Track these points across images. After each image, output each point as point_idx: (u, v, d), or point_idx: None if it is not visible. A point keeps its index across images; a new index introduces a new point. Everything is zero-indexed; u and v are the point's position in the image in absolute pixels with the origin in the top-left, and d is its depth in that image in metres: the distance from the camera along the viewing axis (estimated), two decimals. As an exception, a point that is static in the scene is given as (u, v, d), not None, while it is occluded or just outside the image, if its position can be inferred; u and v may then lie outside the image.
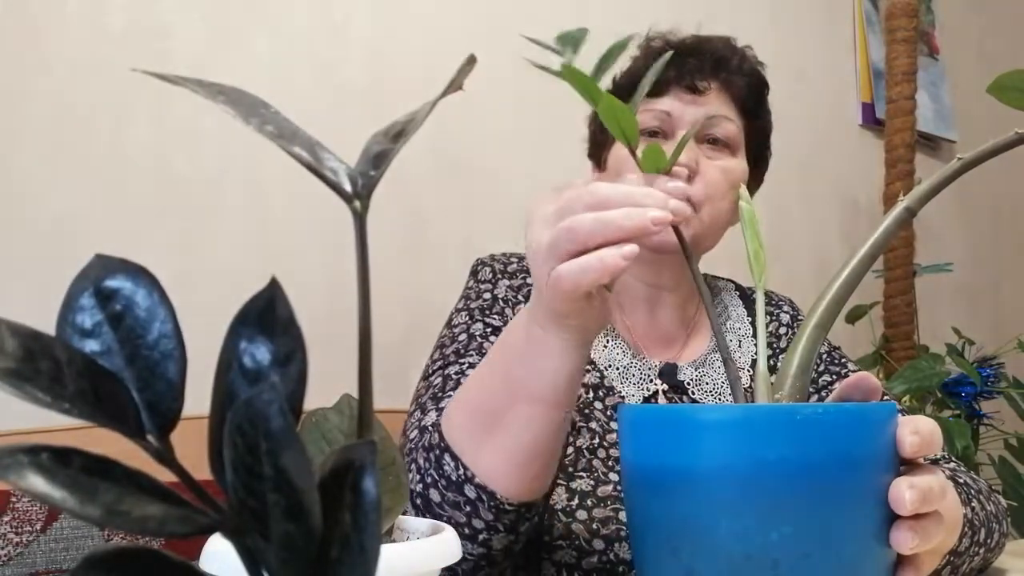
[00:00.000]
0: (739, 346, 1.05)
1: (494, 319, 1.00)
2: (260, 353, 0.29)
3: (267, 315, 0.29)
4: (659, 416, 0.50)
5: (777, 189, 2.04)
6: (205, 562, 0.41)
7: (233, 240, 1.38)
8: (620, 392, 1.00)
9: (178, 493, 0.27)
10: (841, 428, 0.46)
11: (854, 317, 1.94)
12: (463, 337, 0.99)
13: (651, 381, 1.00)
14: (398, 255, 1.49)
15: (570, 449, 0.95)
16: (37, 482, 0.24)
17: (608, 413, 0.98)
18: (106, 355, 0.29)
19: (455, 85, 0.34)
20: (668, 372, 1.01)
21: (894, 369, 1.84)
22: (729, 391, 0.99)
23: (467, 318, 1.01)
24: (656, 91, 1.00)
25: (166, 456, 0.28)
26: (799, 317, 1.10)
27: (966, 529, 0.80)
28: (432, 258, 1.52)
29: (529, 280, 1.05)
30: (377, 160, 0.32)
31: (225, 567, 0.29)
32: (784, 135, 2.05)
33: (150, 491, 0.26)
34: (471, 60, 0.35)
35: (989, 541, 0.85)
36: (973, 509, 0.83)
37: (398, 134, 0.33)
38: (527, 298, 1.02)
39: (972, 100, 2.28)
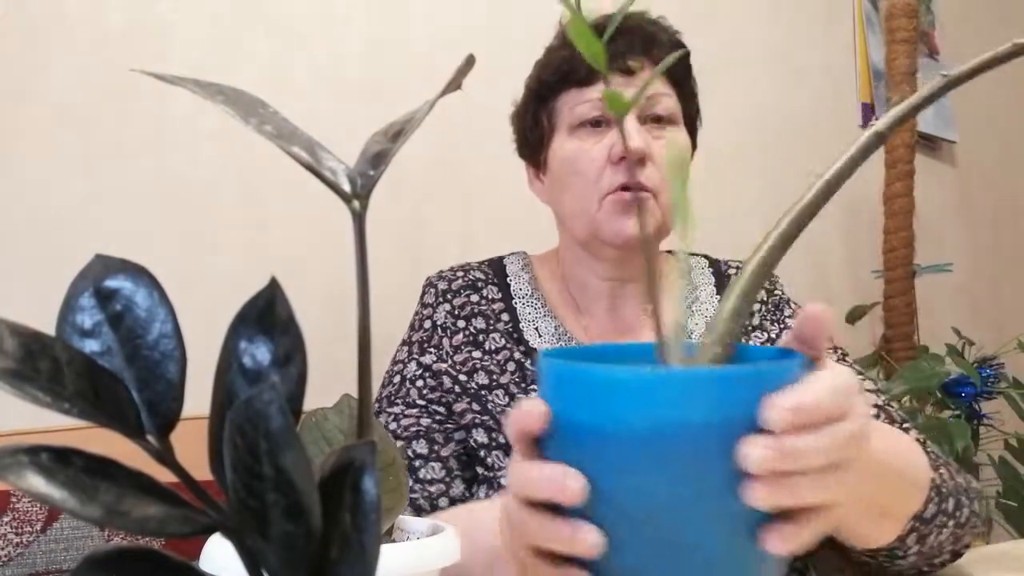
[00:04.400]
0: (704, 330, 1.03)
1: (429, 355, 1.01)
2: (260, 353, 0.29)
3: (267, 315, 0.29)
4: (568, 373, 0.48)
5: (776, 189, 2.04)
6: (205, 562, 0.41)
7: (233, 240, 1.38)
8: None
9: (178, 493, 0.27)
10: (738, 390, 0.46)
11: (854, 317, 1.94)
12: (396, 379, 1.01)
13: None
14: (397, 255, 1.49)
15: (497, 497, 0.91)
16: (37, 482, 0.24)
17: None
18: (106, 355, 0.29)
19: (454, 85, 0.34)
20: None
21: (894, 369, 1.84)
22: None
23: (406, 354, 1.03)
24: (587, 79, 0.98)
25: (166, 456, 0.28)
26: (775, 291, 1.06)
27: (932, 495, 0.75)
28: (432, 258, 1.52)
29: (472, 298, 1.05)
30: (376, 160, 0.32)
31: (225, 567, 0.29)
32: (784, 135, 2.06)
33: (150, 491, 0.26)
34: (470, 60, 0.35)
35: (959, 515, 0.80)
36: (941, 476, 0.79)
37: (397, 134, 0.33)
38: (467, 319, 1.03)
39: (972, 100, 2.28)
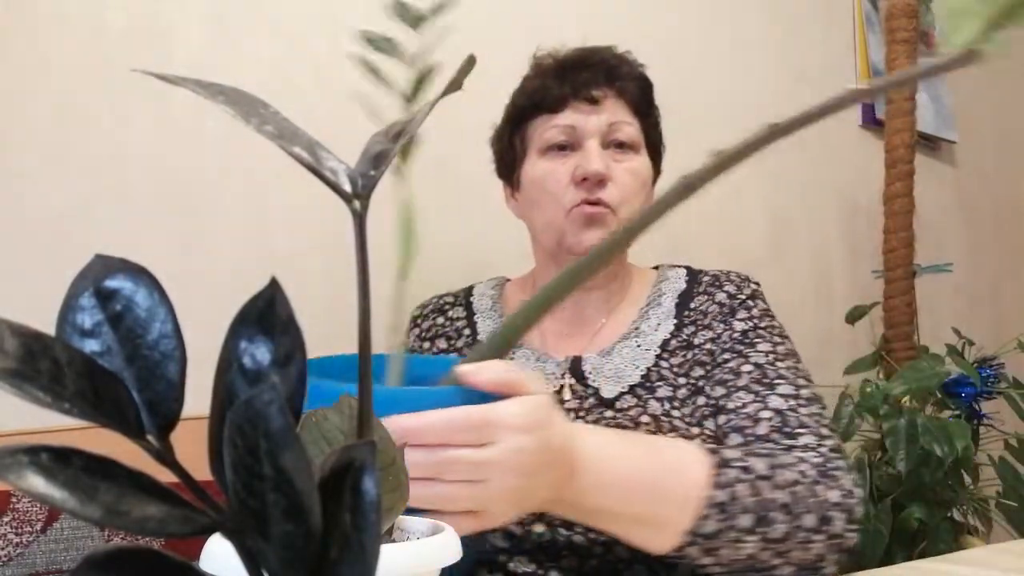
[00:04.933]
0: (656, 328, 1.07)
1: None
2: (260, 353, 0.29)
3: (267, 315, 0.29)
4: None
5: (777, 190, 2.04)
6: (205, 562, 0.41)
7: (233, 240, 1.38)
8: None
9: (178, 493, 0.27)
10: (379, 407, 0.61)
11: (854, 317, 1.94)
12: None
13: (560, 377, 1.05)
14: (398, 255, 1.49)
15: None
16: (37, 482, 0.24)
17: None
18: (106, 355, 0.29)
19: (455, 85, 0.34)
20: (574, 366, 1.06)
21: (894, 369, 1.84)
22: (629, 375, 1.04)
23: None
24: (556, 107, 1.08)
25: (166, 456, 0.28)
26: (738, 295, 1.07)
27: (711, 512, 0.79)
28: (431, 258, 1.52)
29: (438, 320, 1.17)
30: (377, 160, 0.32)
31: (225, 567, 0.29)
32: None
33: (150, 491, 0.26)
34: (471, 60, 0.35)
35: (765, 531, 0.81)
36: (734, 493, 0.80)
37: (398, 134, 0.33)
38: (431, 340, 1.16)
39: (972, 100, 2.28)
